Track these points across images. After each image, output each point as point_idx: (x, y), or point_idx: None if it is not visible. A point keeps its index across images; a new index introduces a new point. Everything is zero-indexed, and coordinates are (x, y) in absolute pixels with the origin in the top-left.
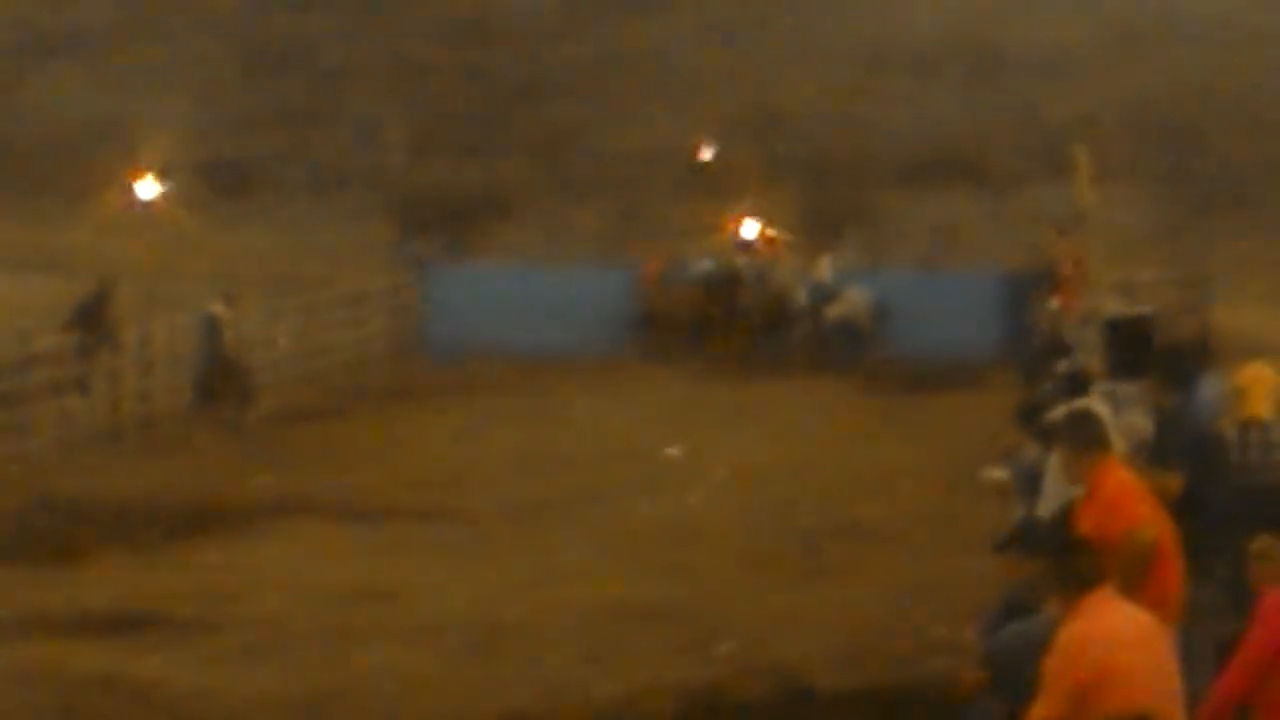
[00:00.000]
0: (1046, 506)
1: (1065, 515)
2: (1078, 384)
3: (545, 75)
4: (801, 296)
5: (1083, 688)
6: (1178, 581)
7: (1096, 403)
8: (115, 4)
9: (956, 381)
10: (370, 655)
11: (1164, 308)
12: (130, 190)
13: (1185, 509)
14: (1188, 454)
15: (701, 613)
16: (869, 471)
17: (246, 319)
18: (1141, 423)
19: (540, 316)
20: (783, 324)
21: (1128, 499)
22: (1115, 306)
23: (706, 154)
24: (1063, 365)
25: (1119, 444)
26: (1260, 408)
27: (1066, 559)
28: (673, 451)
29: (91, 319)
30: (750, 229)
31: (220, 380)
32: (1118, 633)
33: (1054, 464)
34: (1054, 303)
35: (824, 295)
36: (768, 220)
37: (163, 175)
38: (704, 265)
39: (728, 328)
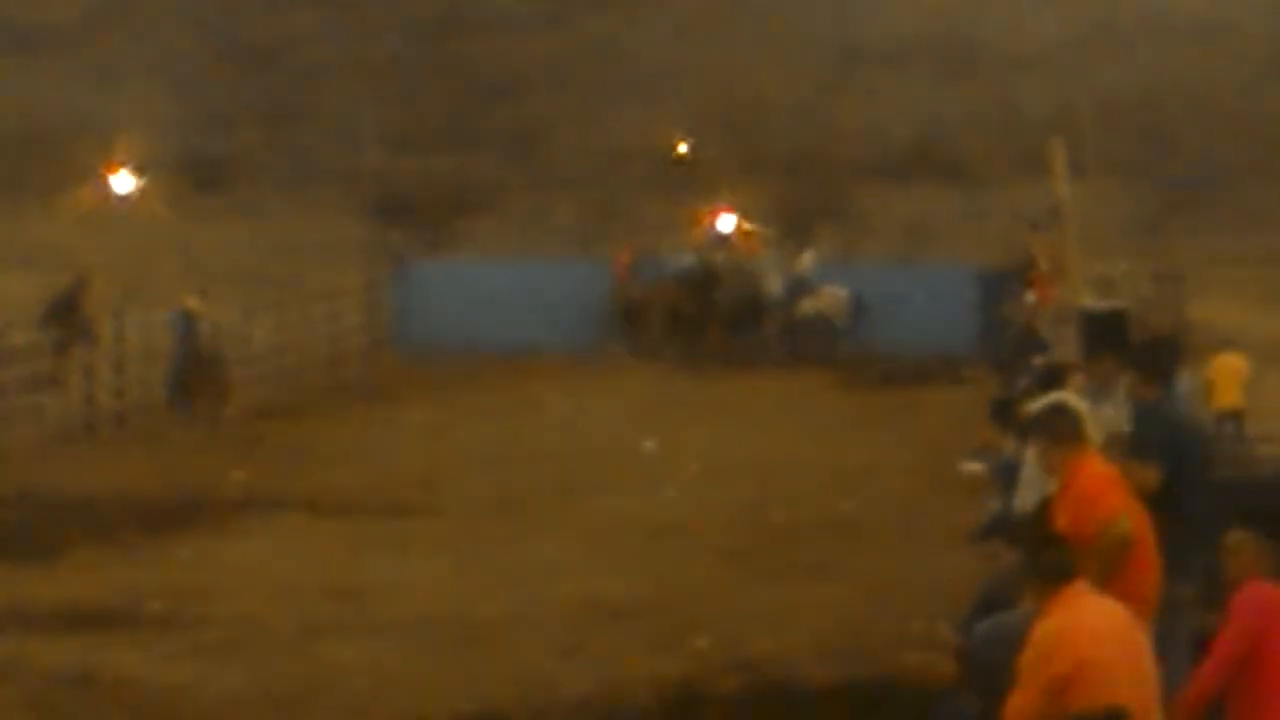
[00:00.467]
0: (1023, 500)
1: (1042, 510)
2: (1053, 378)
3: (521, 71)
4: (777, 291)
5: (1058, 682)
6: (1154, 575)
7: (1073, 396)
8: None
9: (932, 376)
10: (344, 651)
11: (1139, 302)
12: (105, 185)
13: (1162, 503)
14: (1165, 448)
15: (677, 607)
16: (845, 466)
17: (222, 315)
18: (1118, 416)
19: (515, 312)
20: (758, 319)
21: (1103, 491)
22: (1090, 301)
23: (682, 149)
24: (1039, 360)
25: (1096, 437)
26: (1231, 398)
27: (1042, 553)
28: (648, 446)
29: (66, 314)
30: (726, 223)
31: (195, 376)
32: (1093, 627)
33: (1030, 457)
34: (1029, 297)
35: (802, 290)
36: (743, 215)
37: (138, 170)
38: (681, 260)
39: (703, 322)
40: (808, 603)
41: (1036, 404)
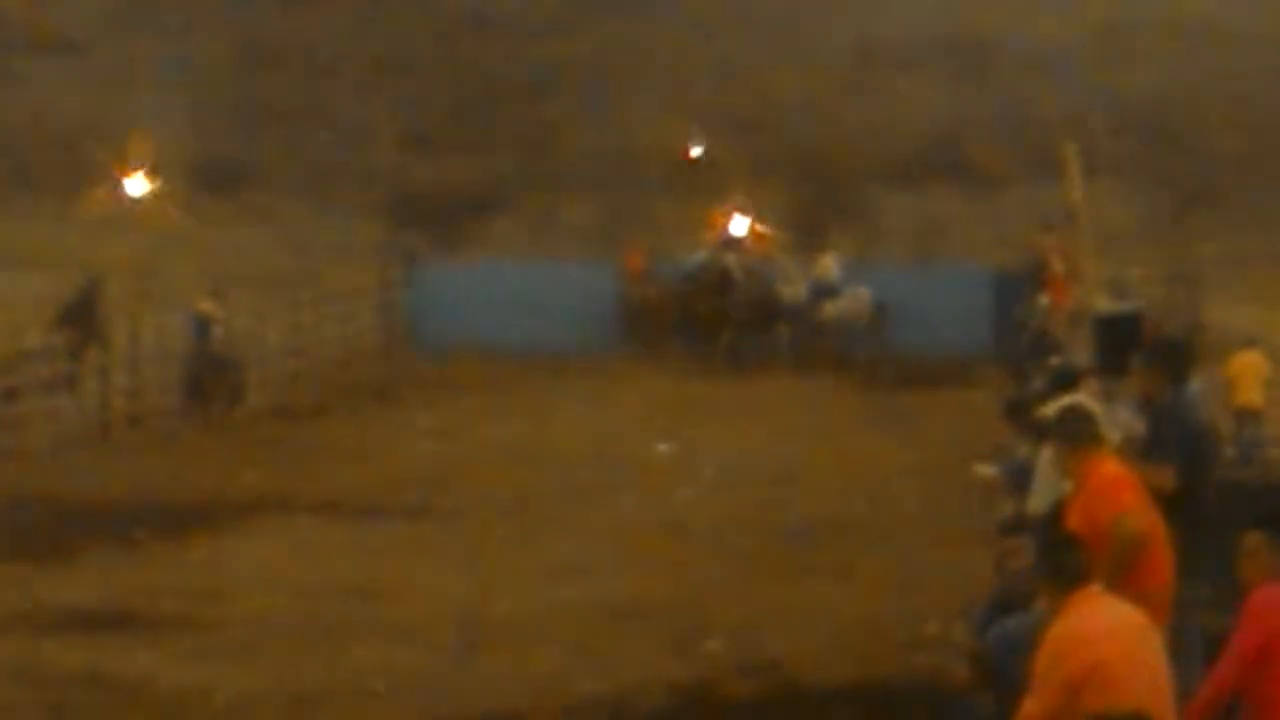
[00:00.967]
0: (1036, 502)
1: (1056, 512)
2: (1068, 380)
3: (534, 72)
4: (791, 294)
5: (1072, 684)
6: (1167, 574)
7: (1087, 399)
8: (104, 1)
9: (946, 378)
10: (357, 653)
11: (1153, 304)
12: (119, 188)
13: (1175, 504)
14: (1179, 449)
15: (690, 609)
16: (858, 468)
17: (235, 316)
18: (1133, 419)
19: (528, 313)
20: (771, 321)
21: (1115, 490)
22: (1104, 303)
23: (695, 150)
24: (1054, 362)
25: (1112, 439)
26: (1251, 396)
27: (1056, 556)
28: (662, 448)
29: (80, 317)
30: (739, 225)
31: (209, 378)
32: (1108, 629)
33: (1044, 459)
34: (1043, 299)
35: (826, 292)
36: (756, 217)
37: (152, 173)
38: (694, 261)
39: (716, 324)
40: (821, 604)
41: (1051, 406)
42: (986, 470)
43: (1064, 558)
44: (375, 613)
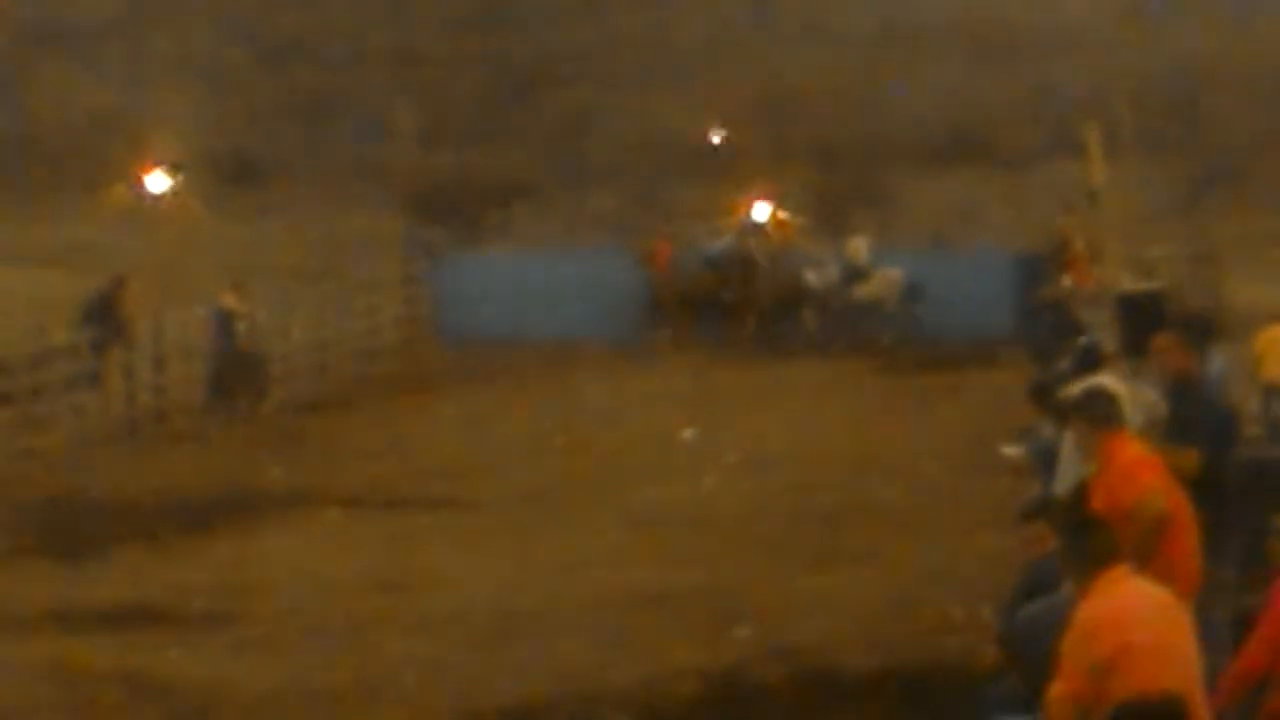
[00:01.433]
0: (1062, 484)
1: (1080, 493)
2: (1092, 361)
3: (554, 61)
4: (817, 279)
5: (1101, 666)
6: (1193, 555)
7: (1111, 380)
8: None
9: (970, 360)
10: (388, 645)
11: (1176, 283)
12: (140, 184)
13: (1201, 486)
14: (1202, 429)
15: (719, 596)
16: (884, 452)
17: (259, 311)
18: (1156, 399)
19: (552, 303)
20: (796, 307)
21: (1139, 471)
22: (1128, 283)
23: (716, 137)
24: (1081, 342)
25: (1135, 419)
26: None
27: (1082, 537)
28: (688, 435)
29: (104, 314)
30: (761, 211)
31: (234, 373)
32: (1135, 611)
33: (1068, 441)
34: (1066, 280)
35: (856, 276)
36: (779, 203)
37: (173, 169)
38: (718, 247)
39: (741, 310)
40: (849, 590)
41: (1074, 388)
42: (1013, 452)
43: (1091, 539)
44: (403, 605)
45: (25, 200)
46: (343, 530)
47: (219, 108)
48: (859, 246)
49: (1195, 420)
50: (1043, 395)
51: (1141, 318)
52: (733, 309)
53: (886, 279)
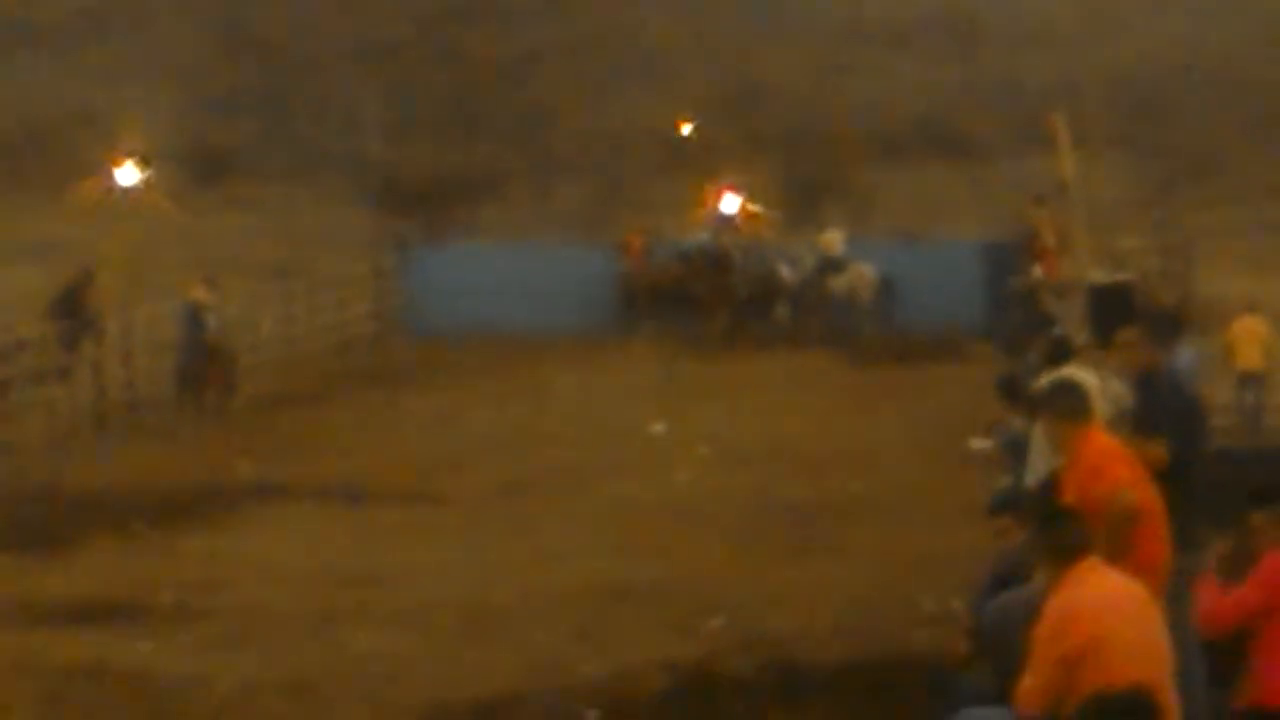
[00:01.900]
0: (1032, 476)
1: (1050, 485)
2: (1061, 353)
3: (522, 55)
4: (790, 273)
5: (1071, 658)
6: (1164, 547)
7: (1080, 372)
8: None
9: (940, 353)
10: (357, 639)
11: (1145, 275)
12: (109, 178)
13: (1170, 477)
14: (1169, 420)
15: (690, 590)
16: (854, 445)
17: (228, 305)
18: (1125, 391)
19: (523, 297)
20: (770, 301)
21: (1109, 464)
22: (1097, 275)
23: (686, 130)
24: (1051, 334)
25: (1104, 412)
26: (1252, 359)
27: (1053, 528)
28: (658, 429)
29: (73, 307)
30: (731, 204)
31: (203, 367)
32: (1106, 602)
33: (1038, 434)
34: (1036, 272)
35: (830, 269)
36: (748, 195)
37: (142, 163)
38: (692, 242)
39: (715, 305)
40: (820, 582)
41: (1043, 380)
42: (982, 444)
43: (1062, 531)
44: (373, 599)
45: None
46: (312, 524)
47: (188, 101)
48: (833, 239)
49: (1162, 412)
50: (1012, 388)
51: (1111, 310)
52: (706, 303)
53: (860, 273)
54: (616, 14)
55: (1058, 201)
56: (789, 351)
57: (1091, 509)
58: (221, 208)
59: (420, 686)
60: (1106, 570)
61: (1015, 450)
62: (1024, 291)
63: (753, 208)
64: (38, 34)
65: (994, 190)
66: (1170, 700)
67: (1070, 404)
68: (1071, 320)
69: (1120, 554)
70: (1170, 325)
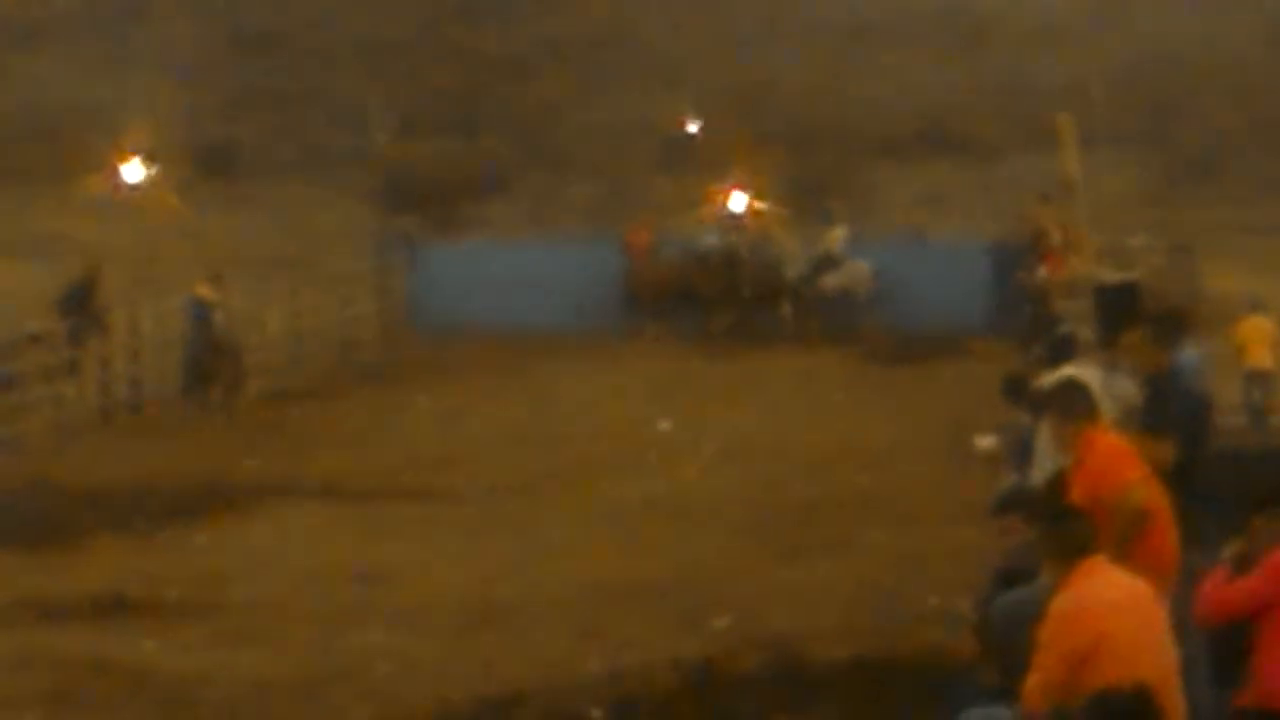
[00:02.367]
0: (1038, 474)
1: (1056, 483)
2: (1067, 351)
3: (528, 52)
4: (798, 270)
5: (1077, 656)
6: (1172, 546)
7: (1085, 370)
8: None
9: (946, 351)
10: (363, 636)
11: (1152, 274)
12: (116, 175)
13: (1176, 475)
14: (1178, 421)
15: (695, 587)
16: (860, 443)
17: (235, 301)
18: (1131, 390)
19: (529, 293)
20: (777, 298)
21: (1117, 464)
22: (1103, 273)
23: (692, 127)
24: (1057, 332)
25: (1110, 411)
26: (1260, 358)
27: (1059, 527)
28: (665, 426)
29: (80, 304)
30: (738, 202)
31: (210, 363)
32: (1112, 600)
33: (1044, 432)
34: (1042, 270)
35: (827, 266)
36: (755, 193)
37: (148, 159)
38: (705, 240)
39: (722, 302)
40: (826, 580)
41: (1049, 379)
42: (987, 442)
43: (1068, 529)
44: (378, 596)
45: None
46: (318, 521)
47: (194, 97)
48: (837, 237)
49: (1169, 411)
50: (1017, 387)
51: (1118, 309)
52: (714, 302)
53: (855, 270)
54: (622, 12)
55: (1064, 200)
56: (794, 349)
57: (1099, 508)
58: (227, 204)
59: (425, 684)
60: (1112, 569)
61: (1021, 449)
62: (1032, 290)
63: (760, 205)
64: (43, 29)
65: (1000, 189)
66: (1175, 699)
67: (1076, 403)
68: (1078, 318)
69: (1128, 553)
70: (1177, 325)
